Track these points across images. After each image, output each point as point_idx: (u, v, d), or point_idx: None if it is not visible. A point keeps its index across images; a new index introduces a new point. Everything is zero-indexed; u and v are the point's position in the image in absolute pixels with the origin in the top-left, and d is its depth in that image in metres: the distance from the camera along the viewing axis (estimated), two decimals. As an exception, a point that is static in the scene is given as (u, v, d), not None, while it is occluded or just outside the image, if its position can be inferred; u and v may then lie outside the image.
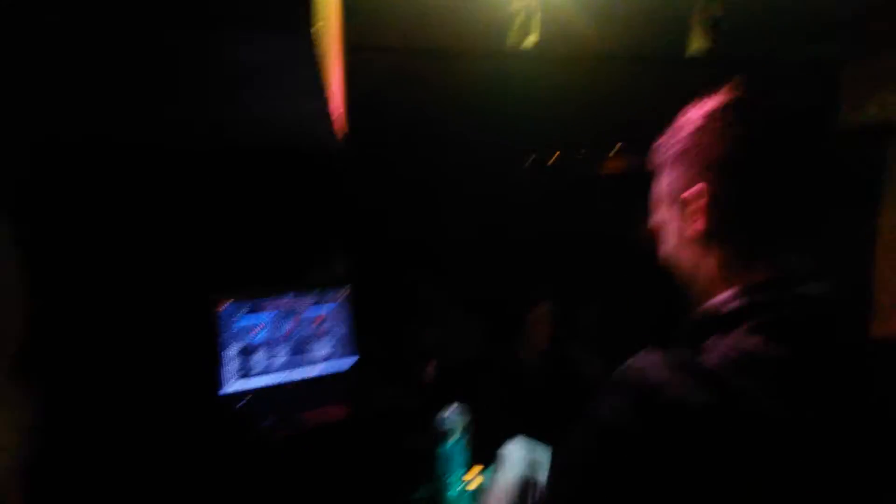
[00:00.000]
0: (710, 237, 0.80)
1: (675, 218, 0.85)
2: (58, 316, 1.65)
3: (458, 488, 1.53)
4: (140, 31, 0.76)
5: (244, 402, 1.72)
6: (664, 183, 0.88)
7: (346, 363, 1.93)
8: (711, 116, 0.80)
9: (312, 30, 0.81)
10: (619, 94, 2.50)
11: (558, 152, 4.33)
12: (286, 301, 1.83)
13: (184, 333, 1.72)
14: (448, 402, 1.70)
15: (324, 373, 1.88)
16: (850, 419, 0.69)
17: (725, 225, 0.79)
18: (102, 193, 1.72)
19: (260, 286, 1.79)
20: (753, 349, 0.69)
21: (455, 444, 1.63)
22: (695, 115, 0.82)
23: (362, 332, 1.97)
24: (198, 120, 1.36)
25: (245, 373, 1.75)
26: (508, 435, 1.75)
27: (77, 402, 1.66)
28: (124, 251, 1.74)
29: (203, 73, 0.97)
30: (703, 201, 0.80)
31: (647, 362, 0.70)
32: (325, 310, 1.90)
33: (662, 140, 0.89)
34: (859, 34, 2.12)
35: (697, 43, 2.04)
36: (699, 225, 0.81)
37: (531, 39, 1.91)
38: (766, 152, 0.76)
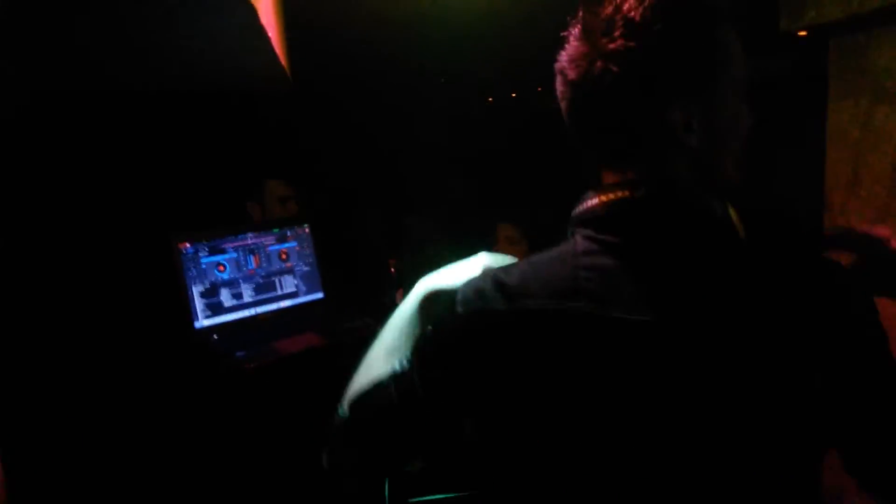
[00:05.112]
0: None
1: None
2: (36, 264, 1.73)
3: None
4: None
5: (217, 335, 1.82)
6: None
7: (313, 296, 2.04)
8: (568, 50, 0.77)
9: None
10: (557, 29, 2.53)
11: (514, 93, 4.37)
12: (247, 240, 1.92)
13: (151, 275, 1.81)
14: None
15: (292, 305, 2.00)
16: (709, 316, 0.70)
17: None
18: (61, 143, 1.78)
19: (219, 227, 1.88)
20: (585, 248, 0.76)
21: None
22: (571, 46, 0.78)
23: (326, 267, 2.06)
24: (136, 61, 1.41)
25: (216, 308, 1.85)
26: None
27: (59, 339, 1.75)
28: (84, 195, 1.80)
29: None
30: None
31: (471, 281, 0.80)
32: (287, 247, 2.00)
33: None
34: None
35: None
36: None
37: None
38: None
